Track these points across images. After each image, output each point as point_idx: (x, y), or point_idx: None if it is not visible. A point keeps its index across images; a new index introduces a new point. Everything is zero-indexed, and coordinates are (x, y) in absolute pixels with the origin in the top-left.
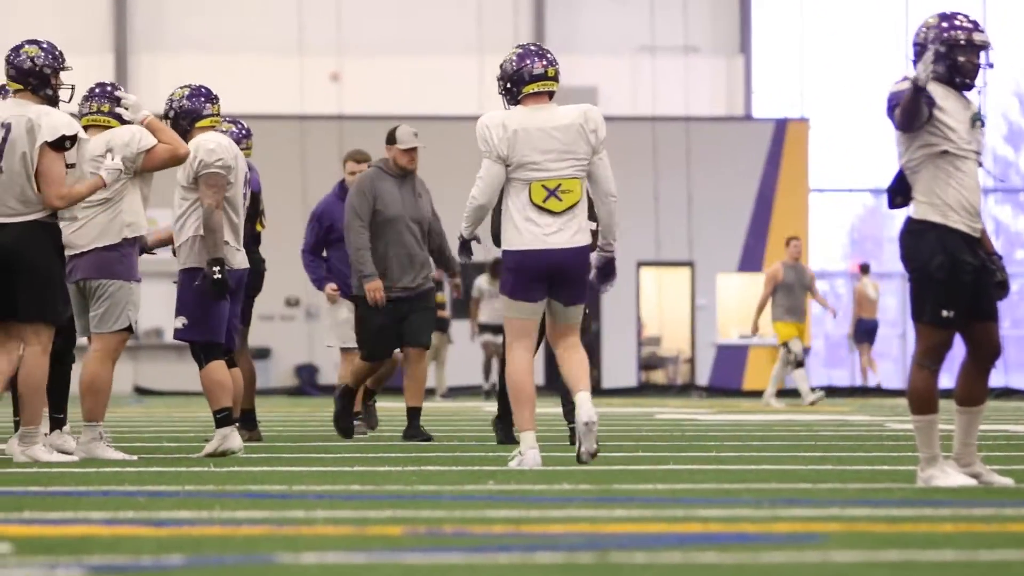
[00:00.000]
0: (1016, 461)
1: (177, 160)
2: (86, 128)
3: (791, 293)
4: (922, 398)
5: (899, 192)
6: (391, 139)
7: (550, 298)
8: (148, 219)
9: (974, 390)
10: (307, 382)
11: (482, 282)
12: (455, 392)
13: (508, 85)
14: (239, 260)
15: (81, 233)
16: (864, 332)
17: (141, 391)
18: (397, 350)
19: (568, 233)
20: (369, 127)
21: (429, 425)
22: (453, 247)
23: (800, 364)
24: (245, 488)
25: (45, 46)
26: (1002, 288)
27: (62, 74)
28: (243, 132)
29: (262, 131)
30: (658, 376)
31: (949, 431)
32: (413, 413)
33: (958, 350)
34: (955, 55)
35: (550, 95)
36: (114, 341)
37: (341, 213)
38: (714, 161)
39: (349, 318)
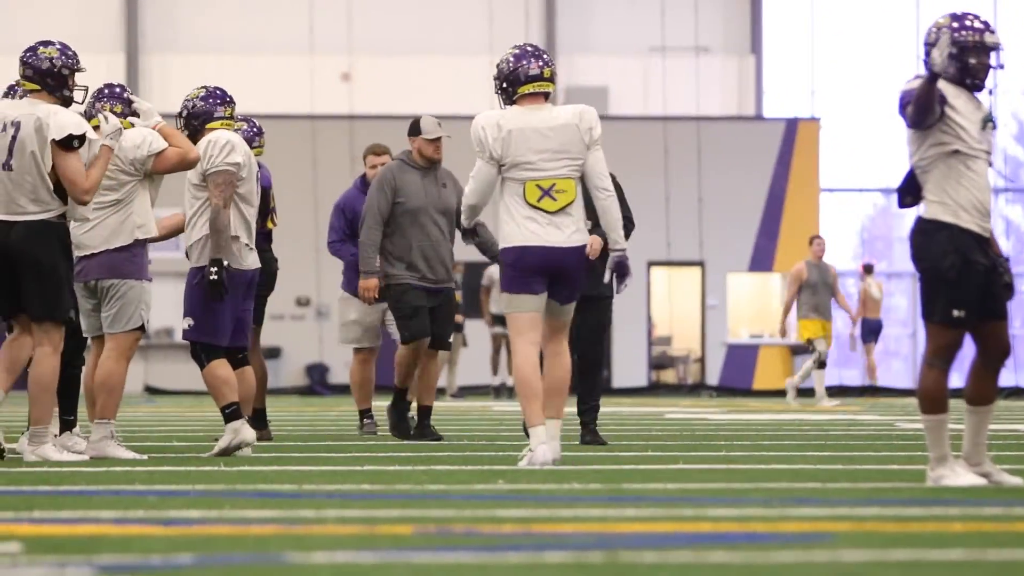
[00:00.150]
0: None
1: (187, 164)
2: (96, 128)
3: (816, 292)
4: (932, 398)
5: (909, 192)
6: (415, 130)
7: (547, 296)
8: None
9: (984, 390)
10: (317, 381)
11: (493, 271)
12: (464, 391)
13: (504, 85)
14: (252, 259)
15: (92, 234)
16: (869, 332)
17: (152, 390)
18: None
19: (565, 232)
20: (380, 127)
21: (439, 424)
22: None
23: (822, 365)
24: (255, 487)
25: (61, 47)
26: (1008, 290)
27: (77, 75)
28: (255, 131)
29: (273, 131)
30: (668, 375)
31: (959, 431)
32: (423, 412)
33: (968, 350)
34: (966, 56)
35: (546, 96)
36: (127, 341)
37: (361, 204)
38: (725, 161)
39: (356, 319)
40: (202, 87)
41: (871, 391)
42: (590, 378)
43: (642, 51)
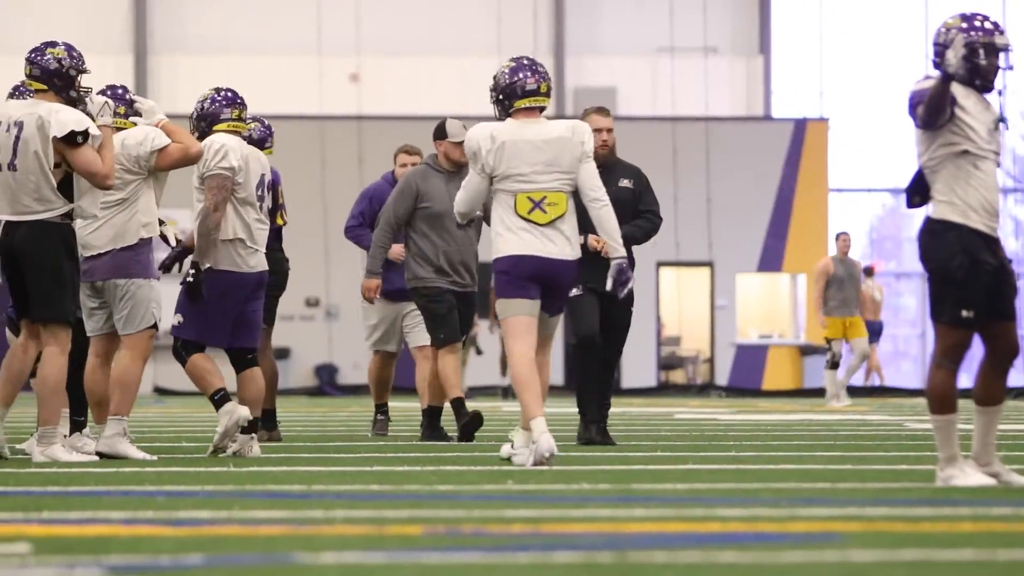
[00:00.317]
0: None
1: (190, 159)
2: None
3: (843, 287)
4: (941, 398)
5: (917, 192)
6: (440, 133)
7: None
8: (169, 219)
9: (993, 390)
10: (326, 382)
11: None
12: (473, 392)
13: (500, 97)
14: (255, 261)
15: (98, 234)
16: (871, 334)
17: (161, 391)
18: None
19: (558, 245)
20: (388, 127)
21: (447, 425)
22: None
23: (835, 365)
24: (264, 488)
25: (67, 47)
26: (1012, 293)
27: (82, 76)
28: (267, 131)
29: (281, 131)
30: (677, 376)
31: (968, 431)
32: (434, 413)
33: (976, 350)
34: (975, 57)
35: (541, 110)
36: (143, 340)
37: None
38: (733, 161)
39: (376, 322)
40: (213, 89)
41: (880, 391)
42: (604, 378)
43: (651, 52)
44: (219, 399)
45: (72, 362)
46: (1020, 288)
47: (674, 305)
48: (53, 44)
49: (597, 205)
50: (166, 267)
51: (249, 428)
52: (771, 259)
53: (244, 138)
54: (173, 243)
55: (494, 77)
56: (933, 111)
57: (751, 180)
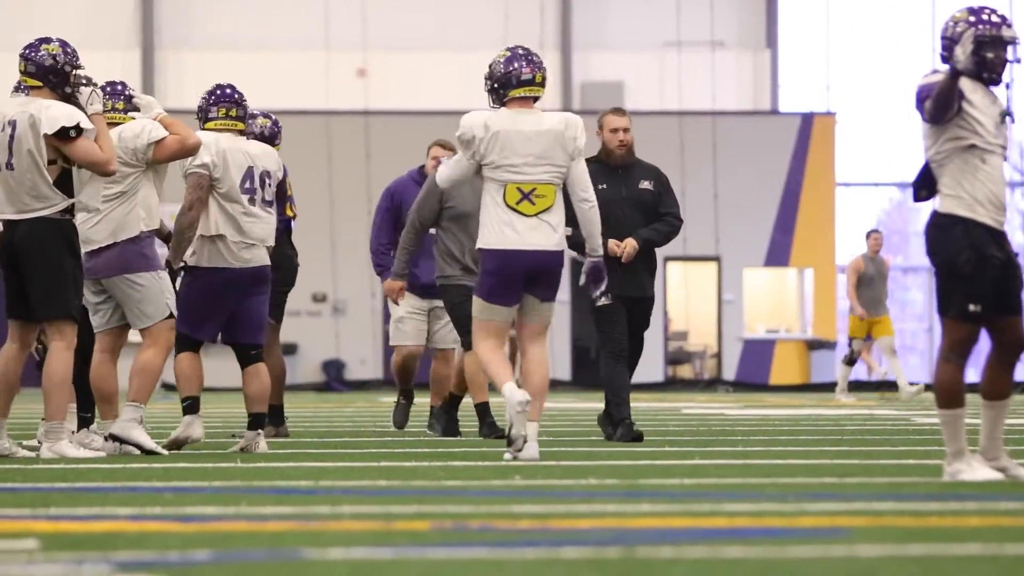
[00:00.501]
0: None
1: (187, 150)
2: None
3: (872, 285)
4: (948, 392)
5: (924, 185)
6: None
7: (525, 294)
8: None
9: (1000, 384)
10: (334, 378)
11: None
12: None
13: (495, 86)
14: (248, 256)
15: (98, 229)
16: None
17: (169, 387)
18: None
19: (543, 234)
20: (395, 123)
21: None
22: None
23: (852, 362)
24: (272, 483)
25: (61, 43)
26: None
27: (79, 71)
28: (276, 127)
29: (288, 127)
30: (685, 371)
31: (975, 425)
32: (454, 402)
33: (984, 344)
34: (983, 50)
35: (535, 100)
36: (163, 331)
37: (413, 195)
38: (740, 155)
39: (404, 316)
40: (215, 85)
41: (887, 386)
42: (628, 375)
43: (657, 46)
44: (187, 406)
45: (78, 358)
46: None
47: (681, 300)
48: (48, 40)
49: (585, 206)
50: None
51: (255, 424)
52: (778, 254)
53: (256, 135)
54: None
55: (489, 66)
56: (941, 106)
57: (758, 174)
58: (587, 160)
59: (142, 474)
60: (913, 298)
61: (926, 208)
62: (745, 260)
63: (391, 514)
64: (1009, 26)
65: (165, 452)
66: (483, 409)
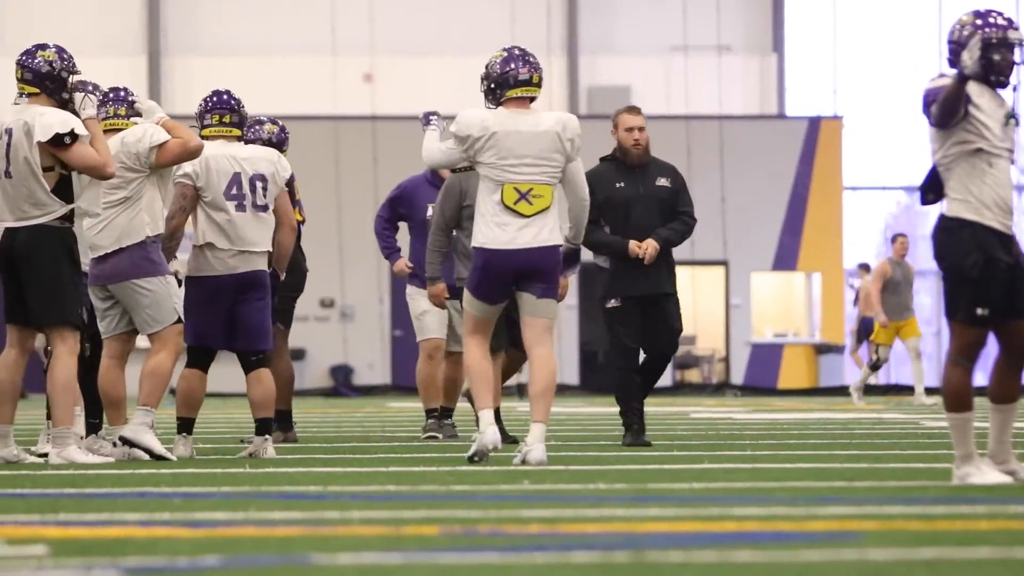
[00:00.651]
0: None
1: (189, 153)
2: (104, 132)
3: (898, 290)
4: (957, 396)
5: (931, 189)
6: None
7: (520, 291)
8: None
9: (1008, 387)
10: (342, 383)
11: None
12: None
13: (492, 86)
14: (236, 263)
15: (103, 235)
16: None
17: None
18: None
19: (533, 231)
20: (402, 128)
21: (461, 425)
22: None
23: (876, 368)
24: (280, 489)
25: (58, 49)
26: None
27: (76, 76)
28: (283, 134)
29: (295, 132)
30: (693, 375)
31: (984, 429)
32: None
33: (992, 348)
34: (990, 53)
35: (531, 100)
36: (172, 335)
37: (425, 195)
38: (748, 160)
39: (427, 310)
40: (212, 91)
41: (895, 390)
42: (651, 376)
43: (664, 50)
44: (179, 425)
45: (86, 364)
46: None
47: (689, 304)
48: (44, 47)
49: (581, 206)
50: None
51: (262, 429)
52: (786, 258)
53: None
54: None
55: (486, 66)
56: (947, 112)
57: (765, 178)
58: (602, 159)
59: (151, 480)
60: (921, 302)
61: (934, 212)
62: (753, 264)
63: (400, 519)
64: (1016, 28)
65: (174, 458)
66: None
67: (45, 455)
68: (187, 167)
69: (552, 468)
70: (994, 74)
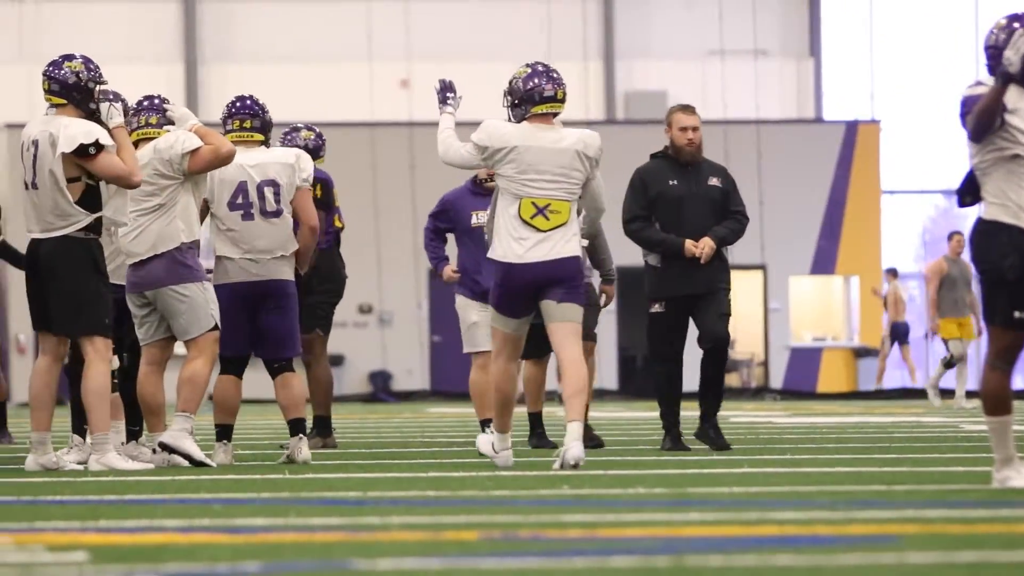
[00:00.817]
0: None
1: (222, 159)
2: (137, 142)
3: (955, 288)
4: (996, 399)
5: (968, 191)
6: None
7: (541, 301)
8: None
9: None
10: (381, 389)
11: None
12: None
13: (516, 102)
14: (255, 270)
15: (138, 241)
16: (902, 334)
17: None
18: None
19: (550, 245)
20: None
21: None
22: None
23: (950, 365)
24: (320, 495)
25: (84, 60)
26: None
27: (103, 86)
28: (320, 140)
29: (332, 138)
30: (732, 379)
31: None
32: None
33: None
34: None
35: (555, 115)
36: (208, 342)
37: (469, 204)
38: (785, 164)
39: (477, 321)
40: (235, 97)
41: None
42: (713, 366)
43: (700, 55)
44: (217, 432)
45: (125, 372)
46: None
47: None
48: (70, 57)
49: (595, 214)
50: None
51: (295, 430)
52: (824, 261)
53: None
54: None
55: (510, 82)
56: (983, 127)
57: (803, 183)
58: (654, 156)
59: (191, 486)
60: None
61: (972, 216)
62: (791, 268)
63: (440, 524)
64: None
65: (213, 464)
66: (535, 419)
67: (84, 463)
68: None
69: (591, 472)
70: None
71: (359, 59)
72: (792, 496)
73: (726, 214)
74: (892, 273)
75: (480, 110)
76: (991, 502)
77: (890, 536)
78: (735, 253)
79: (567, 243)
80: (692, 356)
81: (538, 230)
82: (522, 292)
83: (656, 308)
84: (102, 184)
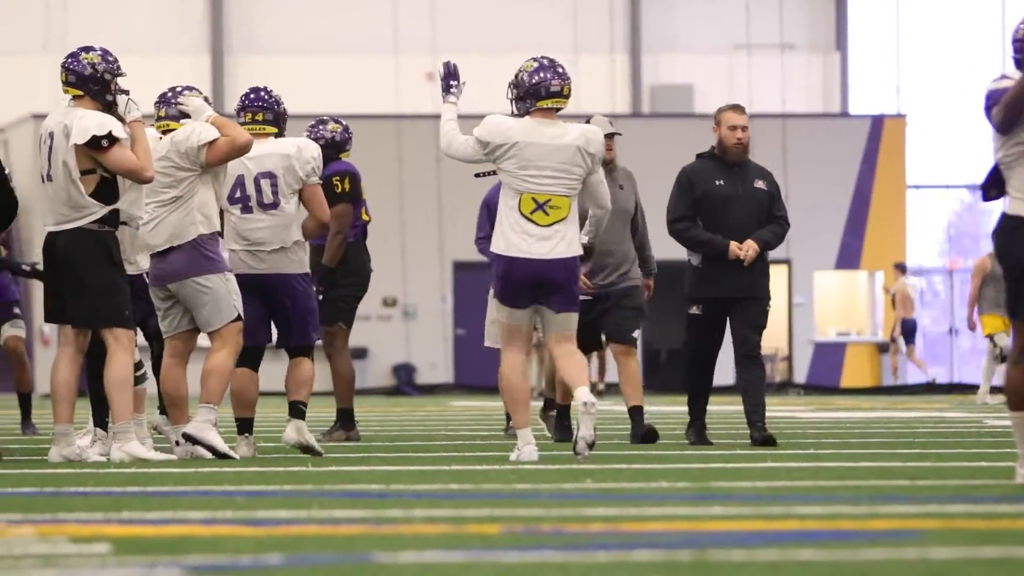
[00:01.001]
0: None
1: (238, 150)
2: (163, 133)
3: (999, 284)
4: (1019, 394)
5: (993, 185)
6: None
7: (539, 306)
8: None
9: None
10: (404, 382)
11: None
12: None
13: (521, 95)
14: (254, 263)
15: (155, 233)
16: (908, 332)
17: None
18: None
19: (550, 244)
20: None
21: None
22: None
23: (1004, 360)
24: (343, 487)
25: (103, 52)
26: None
27: (118, 80)
28: (347, 134)
29: (358, 131)
30: None
31: None
32: (635, 412)
33: None
34: None
35: (558, 110)
36: (231, 333)
37: None
38: (811, 158)
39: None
40: (249, 88)
41: (958, 388)
42: (751, 375)
43: (727, 49)
44: (239, 424)
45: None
46: None
47: None
48: (88, 49)
49: (601, 212)
50: None
51: (291, 410)
52: (849, 256)
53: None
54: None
55: (516, 75)
56: (1011, 118)
57: (828, 177)
58: (700, 155)
59: (214, 478)
60: None
61: (997, 210)
62: (816, 263)
63: (463, 517)
64: None
65: (236, 456)
66: (562, 411)
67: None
68: None
69: (614, 467)
70: None
71: (385, 52)
72: (815, 491)
73: (770, 218)
74: (900, 269)
75: (505, 104)
76: (1015, 497)
77: (913, 531)
78: None
79: (569, 244)
80: (724, 352)
81: (537, 225)
82: (523, 285)
83: (695, 310)
84: (119, 177)
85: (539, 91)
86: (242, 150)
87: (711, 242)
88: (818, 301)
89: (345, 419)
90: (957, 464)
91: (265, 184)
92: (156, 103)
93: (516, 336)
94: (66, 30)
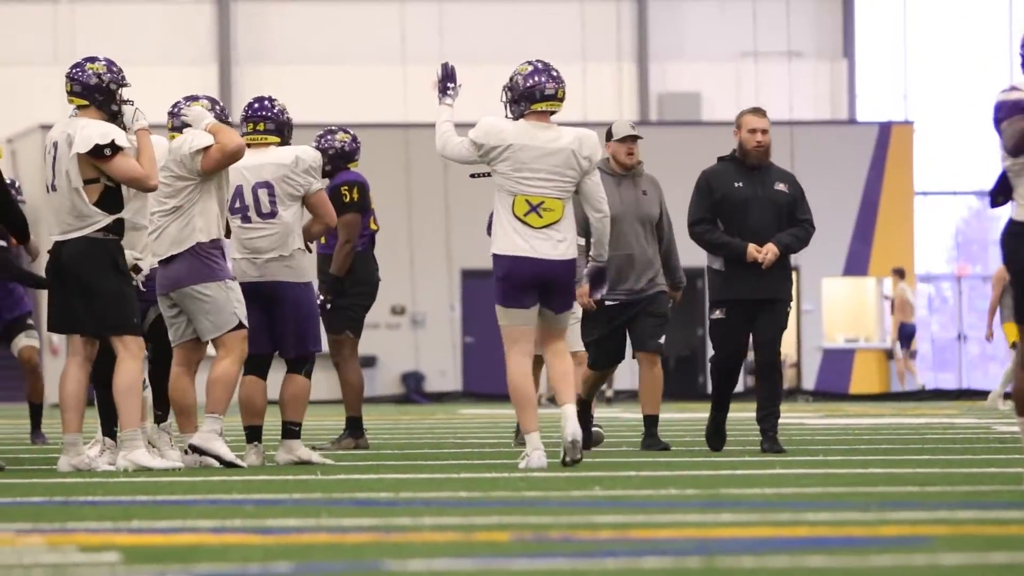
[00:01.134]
0: None
1: (229, 156)
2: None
3: None
4: None
5: (1001, 192)
6: (608, 134)
7: (541, 306)
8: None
9: None
10: (413, 390)
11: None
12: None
13: (516, 98)
14: (254, 272)
15: (158, 243)
16: (905, 337)
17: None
18: None
19: (551, 243)
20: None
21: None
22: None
23: None
24: (352, 495)
25: (107, 62)
26: None
27: (123, 90)
28: (355, 144)
29: (366, 140)
30: None
31: None
32: (649, 421)
33: None
34: None
35: (552, 113)
36: (235, 341)
37: None
38: (818, 165)
39: None
40: (254, 98)
41: (967, 394)
42: (769, 383)
43: (734, 56)
44: (247, 433)
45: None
46: None
47: None
48: (93, 59)
49: (599, 216)
50: None
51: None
52: (857, 263)
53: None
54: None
55: (510, 78)
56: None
57: (836, 184)
58: (721, 159)
59: (223, 487)
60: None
61: (1005, 216)
62: (824, 270)
63: (472, 525)
64: None
65: (244, 464)
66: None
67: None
68: None
69: (623, 474)
70: None
71: (393, 61)
72: (824, 497)
73: (791, 220)
74: (899, 274)
75: None
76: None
77: (922, 537)
78: None
79: (568, 246)
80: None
81: (531, 227)
82: (525, 284)
83: (717, 314)
84: (123, 186)
85: (534, 94)
86: (234, 156)
87: (730, 245)
88: (826, 308)
89: (354, 427)
90: (966, 470)
91: (262, 194)
92: (168, 113)
93: (519, 339)
94: (74, 41)
